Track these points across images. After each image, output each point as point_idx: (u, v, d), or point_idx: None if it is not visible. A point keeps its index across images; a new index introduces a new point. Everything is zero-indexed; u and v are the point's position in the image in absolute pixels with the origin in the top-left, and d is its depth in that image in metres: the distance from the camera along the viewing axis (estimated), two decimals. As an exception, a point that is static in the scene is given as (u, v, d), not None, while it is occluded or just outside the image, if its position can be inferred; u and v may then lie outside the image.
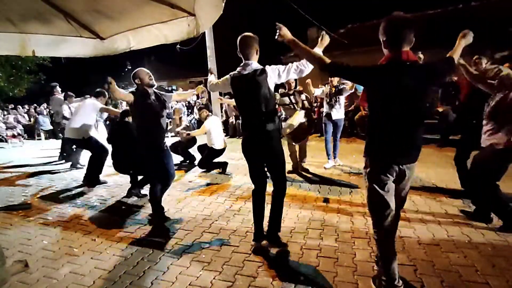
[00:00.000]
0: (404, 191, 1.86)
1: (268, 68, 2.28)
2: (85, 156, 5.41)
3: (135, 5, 2.14)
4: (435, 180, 4.00)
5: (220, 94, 8.27)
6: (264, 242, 2.52)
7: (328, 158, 5.01)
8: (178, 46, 6.58)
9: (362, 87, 4.56)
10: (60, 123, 6.58)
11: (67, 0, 2.10)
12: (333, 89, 4.76)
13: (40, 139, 11.61)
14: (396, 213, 1.83)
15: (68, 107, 6.17)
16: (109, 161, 4.31)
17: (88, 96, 6.18)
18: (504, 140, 2.47)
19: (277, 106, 3.27)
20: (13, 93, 15.52)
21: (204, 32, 8.41)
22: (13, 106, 14.02)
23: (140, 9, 2.17)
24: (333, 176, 4.46)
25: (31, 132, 12.13)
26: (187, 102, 11.14)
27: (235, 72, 2.36)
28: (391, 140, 1.70)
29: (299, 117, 3.49)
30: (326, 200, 3.50)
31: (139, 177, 4.03)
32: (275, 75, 2.30)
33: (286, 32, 1.98)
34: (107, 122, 8.04)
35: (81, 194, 4.27)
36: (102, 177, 4.76)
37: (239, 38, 2.30)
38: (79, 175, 5.04)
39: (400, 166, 1.72)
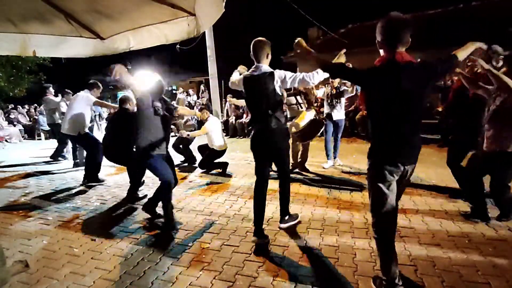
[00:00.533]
0: (402, 190, 1.90)
1: (276, 72, 2.46)
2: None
3: (135, 5, 2.14)
4: (435, 180, 4.00)
5: (230, 92, 8.60)
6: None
7: (328, 158, 5.01)
8: (178, 46, 6.60)
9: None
10: (55, 122, 6.56)
11: (68, 0, 2.10)
12: (334, 90, 4.76)
13: (40, 139, 11.61)
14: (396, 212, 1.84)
15: (66, 104, 6.15)
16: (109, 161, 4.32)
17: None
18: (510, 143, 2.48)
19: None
20: (13, 93, 15.54)
21: (204, 32, 8.42)
22: (13, 106, 14.02)
23: (140, 9, 2.17)
24: (334, 176, 4.46)
25: (31, 132, 12.12)
26: (187, 102, 11.16)
27: (247, 73, 2.58)
28: (392, 141, 1.71)
29: (308, 117, 3.50)
30: (326, 200, 3.50)
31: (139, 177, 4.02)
32: (281, 79, 2.47)
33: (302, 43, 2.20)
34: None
35: (81, 194, 4.27)
36: (102, 176, 4.76)
37: (252, 42, 2.48)
38: (79, 175, 5.04)
39: (405, 166, 1.73)
